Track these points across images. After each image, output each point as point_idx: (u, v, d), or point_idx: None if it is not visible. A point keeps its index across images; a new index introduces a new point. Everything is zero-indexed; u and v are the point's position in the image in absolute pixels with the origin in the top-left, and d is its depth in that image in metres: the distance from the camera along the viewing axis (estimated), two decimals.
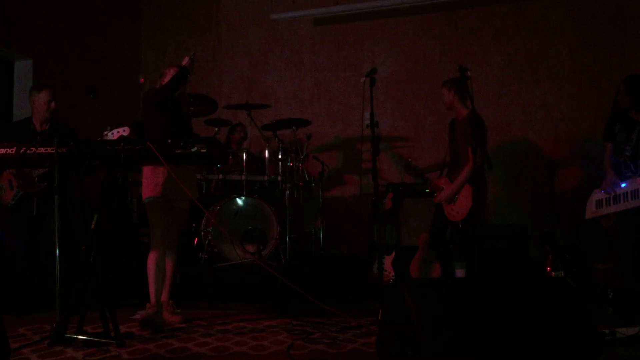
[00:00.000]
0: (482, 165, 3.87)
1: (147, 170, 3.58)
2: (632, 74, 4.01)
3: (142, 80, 4.26)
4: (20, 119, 4.48)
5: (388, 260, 4.59)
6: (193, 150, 3.03)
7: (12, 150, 3.07)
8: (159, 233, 3.53)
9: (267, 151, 5.05)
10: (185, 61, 3.62)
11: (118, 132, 3.46)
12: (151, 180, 3.53)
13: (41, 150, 3.07)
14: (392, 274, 4.57)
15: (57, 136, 3.09)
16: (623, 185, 3.85)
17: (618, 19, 5.44)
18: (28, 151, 3.07)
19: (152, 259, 3.50)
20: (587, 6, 5.56)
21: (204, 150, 3.03)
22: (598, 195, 4.03)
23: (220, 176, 4.90)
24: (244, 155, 4.90)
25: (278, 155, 5.03)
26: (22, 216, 4.09)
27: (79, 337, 2.92)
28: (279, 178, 4.98)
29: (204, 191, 4.89)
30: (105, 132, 3.49)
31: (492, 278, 4.41)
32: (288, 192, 5.04)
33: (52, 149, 3.04)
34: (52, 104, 4.11)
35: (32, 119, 4.17)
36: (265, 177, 4.96)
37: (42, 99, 4.10)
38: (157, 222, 3.53)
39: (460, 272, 3.98)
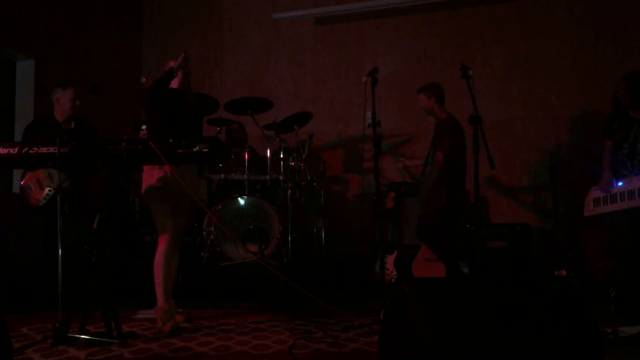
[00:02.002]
0: (452, 169, 4.18)
1: (145, 173, 3.58)
2: (632, 70, 4.00)
3: (143, 80, 4.25)
4: (43, 117, 4.37)
5: (390, 260, 4.59)
6: (195, 149, 3.02)
7: (14, 150, 3.06)
8: (165, 222, 3.43)
9: (269, 150, 5.05)
10: (178, 60, 3.53)
11: None
12: (149, 182, 3.52)
13: (43, 149, 3.04)
14: (394, 273, 4.57)
15: (59, 136, 3.08)
16: (619, 184, 3.83)
17: (620, 17, 5.44)
18: (30, 151, 3.06)
19: (160, 253, 3.41)
20: (589, 4, 5.55)
21: (206, 150, 3.03)
22: (595, 193, 4.03)
23: (222, 175, 4.91)
24: (246, 154, 4.91)
25: (280, 154, 5.03)
26: (42, 217, 4.01)
27: (82, 336, 2.92)
28: (281, 177, 4.98)
29: (205, 190, 4.89)
30: None
31: (494, 277, 4.41)
32: (290, 191, 5.04)
33: (55, 149, 3.02)
34: (77, 102, 4.13)
35: (54, 116, 4.15)
36: (267, 177, 4.96)
37: (67, 96, 4.13)
38: (159, 210, 3.45)
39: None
